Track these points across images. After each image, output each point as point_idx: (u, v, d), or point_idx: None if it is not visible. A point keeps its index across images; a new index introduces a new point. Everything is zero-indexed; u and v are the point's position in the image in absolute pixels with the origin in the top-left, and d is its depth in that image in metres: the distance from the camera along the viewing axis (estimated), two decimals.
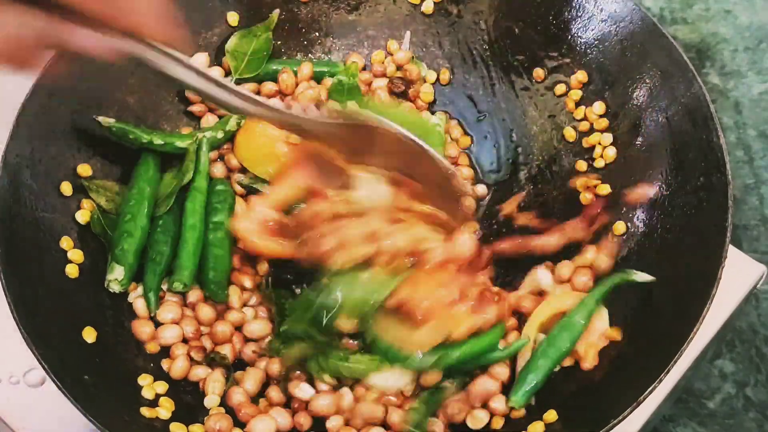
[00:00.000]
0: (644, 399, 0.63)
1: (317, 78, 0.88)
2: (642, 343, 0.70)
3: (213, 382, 0.72)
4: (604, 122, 0.83)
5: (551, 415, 0.68)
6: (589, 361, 0.71)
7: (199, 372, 0.73)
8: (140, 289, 0.76)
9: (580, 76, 0.84)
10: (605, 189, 0.80)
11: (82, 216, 0.75)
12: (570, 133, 0.85)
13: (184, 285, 0.76)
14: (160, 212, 0.78)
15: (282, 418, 0.70)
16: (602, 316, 0.73)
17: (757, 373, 1.12)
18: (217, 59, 0.88)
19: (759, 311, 1.07)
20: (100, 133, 0.79)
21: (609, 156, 0.81)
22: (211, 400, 0.71)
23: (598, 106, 0.83)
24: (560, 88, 0.86)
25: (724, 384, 1.15)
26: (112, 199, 0.78)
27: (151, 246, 0.77)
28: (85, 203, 0.76)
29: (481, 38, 0.90)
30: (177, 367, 0.73)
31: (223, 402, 0.72)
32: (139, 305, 0.75)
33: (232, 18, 0.88)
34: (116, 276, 0.74)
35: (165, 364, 0.74)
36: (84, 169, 0.77)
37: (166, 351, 0.75)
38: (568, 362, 0.72)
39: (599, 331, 0.72)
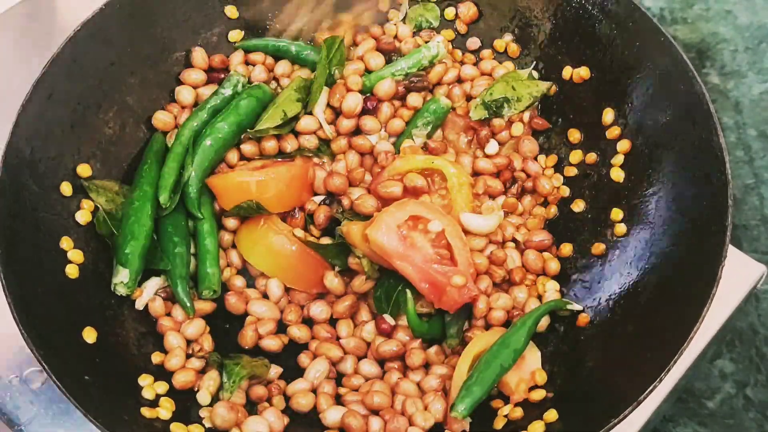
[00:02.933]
0: (644, 399, 0.63)
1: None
2: (642, 343, 0.70)
3: (208, 380, 0.72)
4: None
5: (551, 415, 0.68)
6: (519, 395, 0.71)
7: (195, 365, 0.74)
8: (145, 295, 0.77)
9: (583, 72, 0.84)
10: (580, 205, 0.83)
11: (83, 216, 0.76)
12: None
13: (214, 291, 0.77)
14: (168, 210, 0.78)
15: (274, 418, 0.70)
16: (534, 356, 0.74)
17: (757, 373, 1.12)
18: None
19: (759, 311, 1.07)
20: (100, 133, 0.79)
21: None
22: (203, 396, 0.71)
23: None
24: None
25: (724, 384, 1.15)
26: (112, 199, 0.78)
27: (167, 249, 0.77)
28: (85, 203, 0.76)
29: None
30: (173, 363, 0.73)
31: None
32: (157, 305, 0.76)
33: (231, 12, 0.88)
34: (122, 279, 0.74)
35: (156, 357, 0.74)
36: (84, 169, 0.77)
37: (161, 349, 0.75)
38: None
39: (530, 368, 0.73)
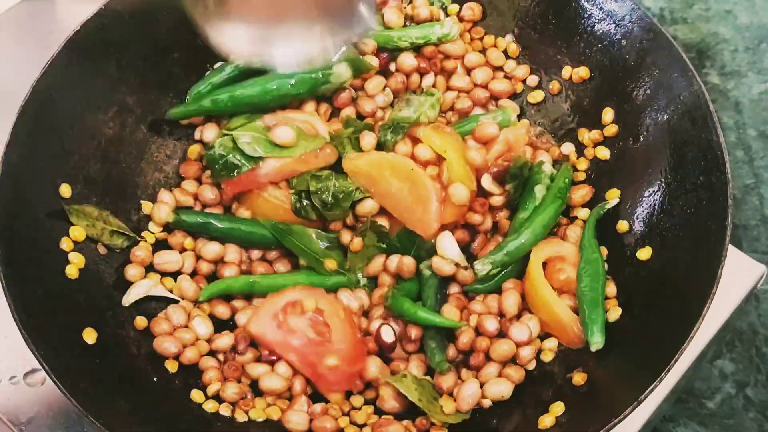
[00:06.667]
0: (644, 399, 0.63)
1: None
2: (642, 342, 0.70)
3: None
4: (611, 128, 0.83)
5: (558, 407, 0.68)
6: (613, 312, 0.73)
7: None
8: (134, 295, 0.76)
9: (582, 72, 0.84)
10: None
11: (76, 232, 0.75)
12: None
13: None
14: None
15: None
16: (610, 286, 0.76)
17: (757, 373, 1.12)
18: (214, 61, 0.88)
19: (759, 311, 1.07)
20: (100, 133, 0.79)
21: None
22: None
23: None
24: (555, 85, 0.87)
25: (724, 384, 1.15)
26: (92, 224, 0.76)
27: None
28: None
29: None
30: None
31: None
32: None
33: None
34: None
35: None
36: (65, 189, 0.75)
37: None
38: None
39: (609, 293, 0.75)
